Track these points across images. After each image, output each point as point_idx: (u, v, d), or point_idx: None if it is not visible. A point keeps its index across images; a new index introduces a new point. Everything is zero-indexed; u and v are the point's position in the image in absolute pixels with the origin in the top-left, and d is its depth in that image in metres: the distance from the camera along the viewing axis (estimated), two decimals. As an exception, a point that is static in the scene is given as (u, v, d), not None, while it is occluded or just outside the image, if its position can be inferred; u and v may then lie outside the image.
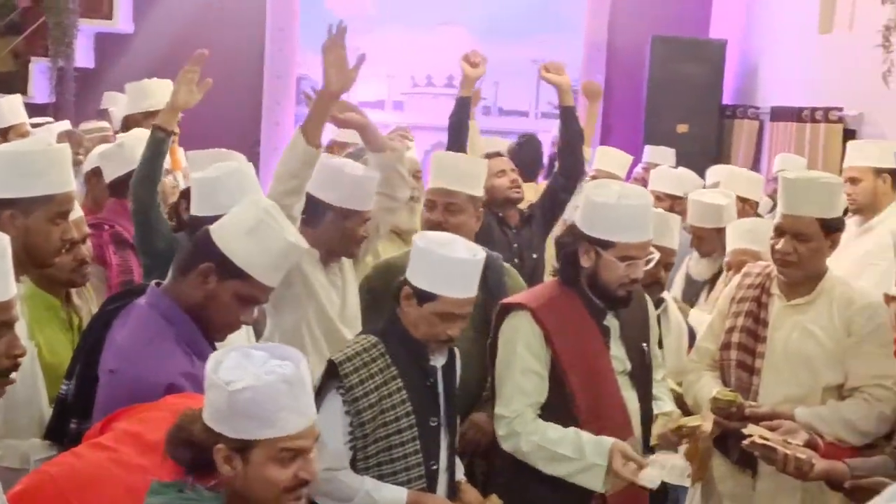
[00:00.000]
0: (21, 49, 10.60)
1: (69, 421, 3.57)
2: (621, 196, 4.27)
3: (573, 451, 4.19)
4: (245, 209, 3.56)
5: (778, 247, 4.55)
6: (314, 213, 4.61)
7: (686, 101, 11.20)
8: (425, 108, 11.86)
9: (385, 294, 4.36)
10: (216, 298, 3.47)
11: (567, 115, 6.31)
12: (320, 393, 4.00)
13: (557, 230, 5.82)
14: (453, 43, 11.64)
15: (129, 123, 6.83)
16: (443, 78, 11.87)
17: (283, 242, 3.51)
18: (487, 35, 11.55)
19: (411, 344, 4.05)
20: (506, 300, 4.54)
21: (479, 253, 4.11)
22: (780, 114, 10.52)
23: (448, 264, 3.96)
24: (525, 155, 8.11)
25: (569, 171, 6.23)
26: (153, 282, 3.62)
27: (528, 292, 4.63)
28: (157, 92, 6.79)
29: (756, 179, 7.71)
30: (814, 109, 9.93)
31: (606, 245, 4.21)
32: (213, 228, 3.50)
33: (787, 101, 10.52)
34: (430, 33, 11.63)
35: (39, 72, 10.36)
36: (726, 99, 11.67)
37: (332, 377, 3.99)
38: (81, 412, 3.52)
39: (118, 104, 8.05)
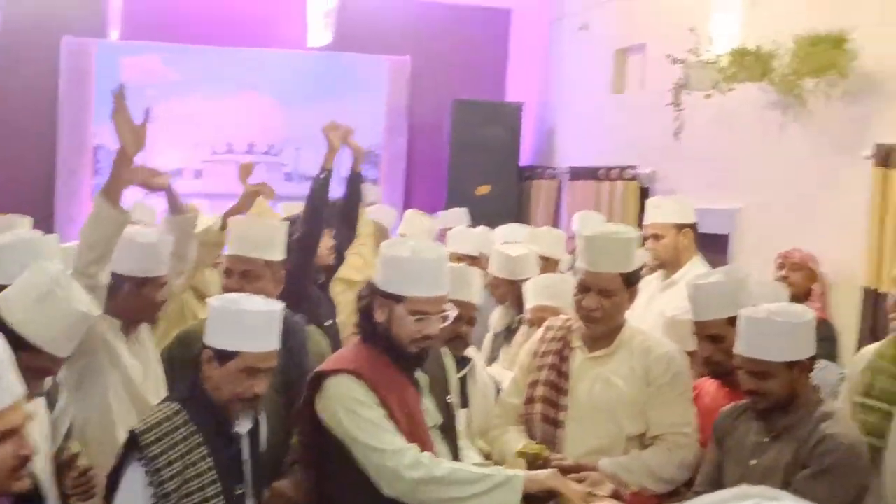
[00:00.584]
0: None
1: None
2: (415, 251, 4.27)
3: (488, 471, 4.16)
4: (33, 278, 3.47)
5: (584, 303, 4.61)
6: (112, 283, 4.54)
7: (486, 163, 11.37)
8: (226, 175, 11.76)
9: (186, 362, 4.31)
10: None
11: (355, 180, 6.72)
12: (122, 465, 3.90)
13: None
14: (254, 109, 11.67)
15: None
16: (243, 144, 11.79)
17: (74, 312, 3.42)
18: (289, 101, 11.60)
19: (214, 410, 3.96)
20: (321, 368, 4.42)
21: (276, 305, 4.09)
22: (577, 173, 10.78)
23: (245, 318, 3.93)
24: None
25: (345, 236, 6.55)
26: None
27: (337, 357, 4.54)
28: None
29: (557, 237, 7.83)
30: (609, 168, 10.22)
31: (398, 299, 4.19)
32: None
33: (583, 161, 10.79)
34: (230, 100, 11.56)
35: None
36: (525, 160, 11.88)
37: (132, 448, 3.87)
38: None
39: None
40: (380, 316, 4.25)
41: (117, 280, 4.58)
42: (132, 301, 4.63)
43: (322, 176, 6.29)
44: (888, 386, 4.40)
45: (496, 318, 6.53)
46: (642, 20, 10.19)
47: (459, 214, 9.34)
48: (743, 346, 4.13)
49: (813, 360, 4.21)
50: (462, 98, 11.56)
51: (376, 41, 11.79)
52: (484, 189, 11.16)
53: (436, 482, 4.04)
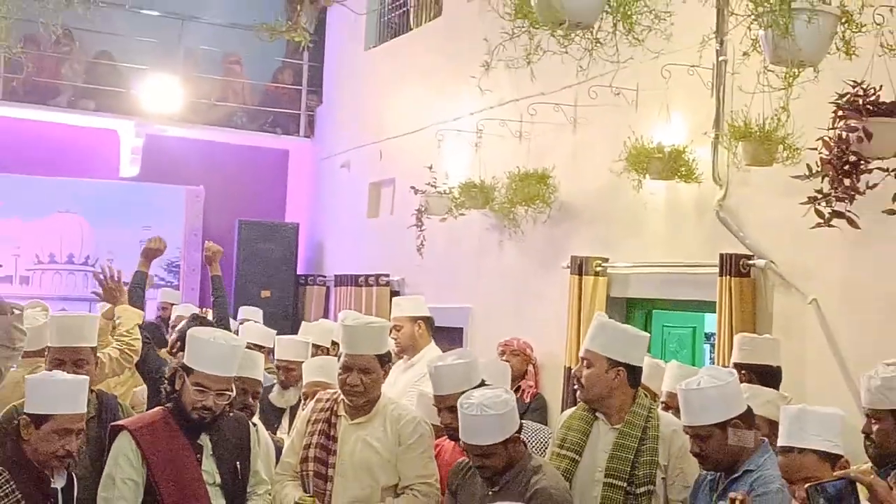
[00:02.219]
0: None
1: None
2: (214, 337, 4.38)
3: None
4: None
5: (348, 380, 4.60)
6: None
7: (268, 272, 11.33)
8: (49, 282, 11.42)
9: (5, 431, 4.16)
10: None
11: (217, 284, 7.29)
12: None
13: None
14: (72, 227, 11.35)
15: None
16: (64, 256, 11.46)
17: None
18: (103, 221, 11.35)
19: (32, 470, 3.84)
20: (114, 423, 4.43)
21: (80, 376, 4.13)
22: (341, 280, 10.78)
23: (54, 386, 3.90)
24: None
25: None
26: None
27: (136, 416, 4.56)
28: None
29: (328, 328, 7.77)
30: (367, 276, 10.28)
31: (188, 371, 4.26)
32: None
33: (346, 270, 10.77)
34: (51, 220, 11.26)
35: None
36: (301, 269, 11.85)
37: None
38: None
39: None
40: (178, 384, 4.30)
41: None
42: None
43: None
44: (576, 438, 4.46)
45: (282, 397, 6.45)
46: (391, 159, 10.30)
47: (255, 312, 9.21)
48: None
49: (519, 429, 4.22)
50: (246, 219, 11.50)
51: (176, 174, 11.67)
52: (266, 293, 11.09)
53: None
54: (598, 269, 7.18)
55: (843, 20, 3.69)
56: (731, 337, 6.01)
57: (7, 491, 3.72)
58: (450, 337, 8.11)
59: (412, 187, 8.86)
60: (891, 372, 3.69)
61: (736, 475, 3.86)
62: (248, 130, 12.29)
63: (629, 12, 3.13)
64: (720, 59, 6.13)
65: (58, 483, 3.90)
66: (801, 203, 4.88)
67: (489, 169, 8.21)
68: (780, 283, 5.97)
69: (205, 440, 4.32)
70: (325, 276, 11.50)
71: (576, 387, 4.61)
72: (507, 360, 6.96)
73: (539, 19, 3.10)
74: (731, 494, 3.59)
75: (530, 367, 7.55)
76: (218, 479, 4.34)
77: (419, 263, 9.06)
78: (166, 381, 4.41)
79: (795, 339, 5.64)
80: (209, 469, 4.32)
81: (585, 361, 4.50)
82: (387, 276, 10.03)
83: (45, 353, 4.91)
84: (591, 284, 7.20)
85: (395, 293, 9.88)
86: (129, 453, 4.20)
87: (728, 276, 6.07)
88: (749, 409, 3.99)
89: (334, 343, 6.98)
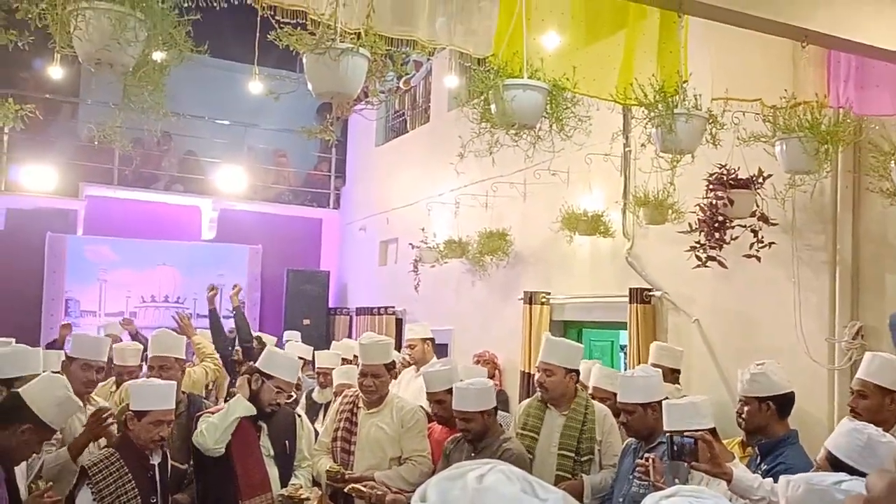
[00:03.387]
0: None
1: None
2: (283, 353, 4.50)
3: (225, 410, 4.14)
4: (51, 381, 3.35)
5: (364, 383, 4.59)
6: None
7: (308, 306, 11.23)
8: (151, 316, 11.35)
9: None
10: (25, 444, 3.19)
11: (238, 312, 6.98)
12: (76, 489, 3.65)
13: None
14: (168, 276, 11.29)
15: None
16: (162, 297, 11.37)
17: (73, 404, 3.33)
18: (189, 270, 11.27)
19: (136, 451, 3.78)
20: (198, 412, 4.36)
21: (170, 381, 4.07)
22: (361, 311, 10.71)
23: (150, 389, 3.86)
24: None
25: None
26: None
27: (216, 408, 4.43)
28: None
29: (351, 345, 7.68)
30: (379, 308, 10.23)
31: (269, 377, 4.20)
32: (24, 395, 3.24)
33: (364, 304, 10.72)
34: (151, 271, 11.19)
35: None
36: (331, 303, 11.79)
37: (83, 477, 3.65)
38: None
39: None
40: (253, 384, 4.20)
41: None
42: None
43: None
44: (534, 422, 4.45)
45: (321, 395, 6.41)
46: (394, 224, 10.28)
47: (295, 334, 9.14)
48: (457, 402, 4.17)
49: (495, 409, 4.24)
50: (293, 268, 11.47)
51: (241, 236, 11.63)
52: (307, 321, 10.99)
53: (204, 435, 4.05)
54: (543, 299, 7.18)
55: (710, 121, 3.73)
56: (639, 347, 6.01)
57: (119, 465, 3.68)
58: (438, 351, 8.07)
59: (410, 244, 8.87)
60: (757, 369, 3.68)
61: (652, 444, 3.84)
62: (293, 205, 12.28)
63: (560, 117, 3.17)
64: (626, 149, 6.20)
65: (155, 460, 3.84)
66: (685, 250, 4.92)
67: (464, 229, 8.23)
68: (672, 308, 5.99)
69: (262, 424, 4.27)
70: (348, 308, 11.42)
71: (539, 391, 4.51)
72: (480, 366, 6.92)
73: (497, 122, 3.12)
74: (646, 454, 3.58)
75: (497, 371, 7.52)
76: (272, 452, 4.28)
77: (416, 298, 9.04)
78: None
79: (684, 347, 5.66)
80: (265, 444, 4.26)
81: (547, 371, 4.45)
82: (393, 307, 9.97)
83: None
84: (538, 311, 7.20)
85: (399, 320, 9.85)
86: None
87: (635, 304, 6.08)
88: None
89: (355, 356, 6.92)
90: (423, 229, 8.73)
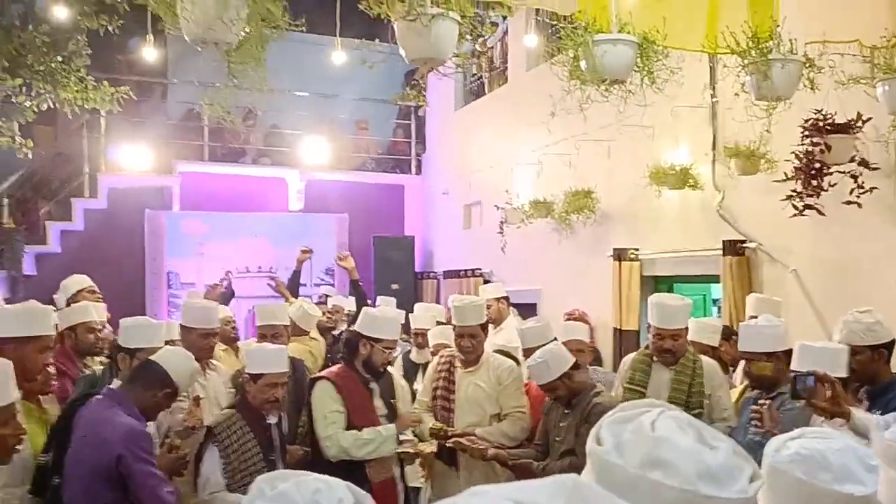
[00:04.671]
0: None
1: (50, 479, 3.30)
2: (381, 311, 4.57)
3: (373, 434, 4.22)
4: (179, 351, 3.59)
5: (462, 343, 4.65)
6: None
7: (396, 271, 11.34)
8: (246, 285, 11.74)
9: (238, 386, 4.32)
10: (159, 404, 3.42)
11: (355, 285, 7.01)
12: (203, 448, 3.86)
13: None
14: (260, 247, 11.60)
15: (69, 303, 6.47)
16: (255, 267, 11.70)
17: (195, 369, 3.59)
18: (280, 240, 11.54)
19: (254, 411, 3.94)
20: (314, 375, 4.51)
21: (282, 345, 4.24)
22: (448, 274, 10.83)
23: (265, 354, 3.99)
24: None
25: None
26: (107, 388, 3.49)
27: (326, 371, 4.57)
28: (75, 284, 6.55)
29: (439, 309, 7.81)
30: (466, 270, 10.32)
31: (378, 340, 4.30)
32: (163, 364, 3.46)
33: (451, 267, 10.83)
34: (244, 242, 11.48)
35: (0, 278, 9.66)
36: (417, 268, 11.90)
37: (209, 437, 3.85)
38: (58, 471, 3.28)
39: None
40: (363, 349, 4.31)
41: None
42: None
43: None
44: (640, 377, 4.44)
45: (419, 355, 6.43)
46: (477, 187, 10.30)
47: (389, 300, 9.26)
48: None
49: (575, 365, 4.18)
50: (379, 235, 11.63)
51: (327, 206, 11.83)
52: (395, 286, 11.12)
53: (344, 450, 4.19)
54: (632, 255, 7.14)
55: (807, 65, 3.63)
56: (734, 300, 5.93)
57: (241, 425, 3.87)
58: (528, 311, 8.09)
59: (495, 205, 8.89)
60: (871, 318, 3.58)
61: (772, 395, 3.77)
62: (376, 172, 12.42)
63: (651, 70, 3.13)
64: (713, 100, 6.06)
65: (271, 419, 4.01)
66: (781, 200, 4.81)
67: (549, 189, 8.21)
68: (767, 259, 5.88)
69: (374, 386, 4.40)
70: (435, 272, 11.54)
71: (662, 356, 4.40)
72: (581, 324, 6.91)
73: (588, 79, 3.11)
74: (761, 401, 3.56)
75: (588, 329, 7.50)
76: (385, 412, 4.41)
77: (502, 259, 9.07)
78: (347, 348, 4.44)
79: (781, 298, 5.54)
80: (379, 405, 4.39)
81: (674, 336, 4.37)
82: (479, 269, 10.03)
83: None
84: (628, 267, 7.17)
85: (486, 281, 9.90)
86: (333, 394, 4.27)
87: (729, 256, 5.99)
88: (789, 351, 3.75)
89: (449, 319, 7.01)
90: (507, 191, 8.74)
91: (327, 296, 9.54)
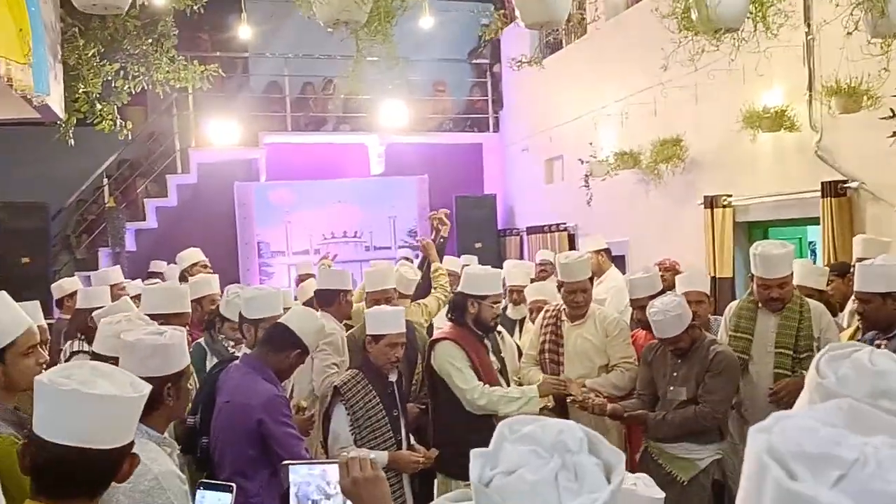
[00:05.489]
0: (90, 243, 10.41)
1: (199, 439, 3.54)
2: (483, 269, 4.58)
3: (519, 393, 4.32)
4: (309, 314, 3.73)
5: (575, 299, 4.72)
6: None
7: (478, 229, 11.39)
8: (333, 250, 11.99)
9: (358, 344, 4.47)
10: (292, 365, 3.60)
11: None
12: (330, 406, 4.05)
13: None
14: (345, 211, 11.82)
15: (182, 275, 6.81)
16: (340, 232, 11.93)
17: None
18: (363, 206, 11.73)
19: (376, 370, 4.09)
20: (434, 336, 4.60)
21: (399, 307, 4.32)
22: (532, 230, 10.87)
23: (384, 315, 4.12)
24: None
25: None
26: (243, 353, 3.69)
27: (442, 332, 4.62)
28: (189, 258, 6.85)
29: (529, 266, 7.81)
30: (550, 225, 10.34)
31: (484, 297, 4.38)
32: (291, 325, 3.62)
33: (534, 223, 10.86)
34: (330, 208, 11.71)
35: (105, 255, 10.14)
36: (500, 225, 11.96)
37: (336, 395, 4.04)
38: (206, 432, 3.52)
39: (163, 267, 8.02)
40: (471, 308, 4.38)
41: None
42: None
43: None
44: (746, 324, 4.45)
45: (514, 311, 6.46)
46: (558, 142, 10.27)
47: (472, 258, 9.34)
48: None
49: (694, 317, 4.22)
50: (460, 194, 11.69)
51: (407, 168, 11.95)
52: (479, 244, 11.19)
53: (493, 403, 4.21)
54: (725, 202, 7.06)
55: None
56: (834, 242, 5.84)
57: (364, 384, 4.05)
58: (616, 262, 8.08)
59: (580, 159, 8.87)
60: None
61: (889, 335, 3.75)
62: (454, 132, 12.46)
63: (766, 15, 3.11)
64: (808, 37, 5.91)
65: (392, 377, 4.17)
66: (888, 136, 4.71)
67: (634, 139, 8.15)
68: (871, 199, 5.76)
69: (487, 342, 4.50)
70: (518, 229, 11.57)
71: (775, 302, 4.34)
72: (661, 275, 6.91)
73: (701, 29, 3.11)
74: (877, 342, 3.55)
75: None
76: (497, 366, 4.52)
77: (588, 212, 9.07)
78: (455, 310, 4.50)
79: (888, 238, 5.44)
80: (493, 359, 4.49)
81: (781, 284, 4.33)
82: (564, 223, 10.03)
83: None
84: (720, 214, 7.10)
85: (571, 235, 9.92)
86: (457, 352, 4.33)
87: (829, 198, 5.89)
88: None
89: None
90: (590, 143, 8.71)
91: (407, 258, 9.71)
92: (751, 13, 3.05)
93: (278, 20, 10.66)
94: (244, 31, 6.72)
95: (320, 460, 2.50)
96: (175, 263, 7.54)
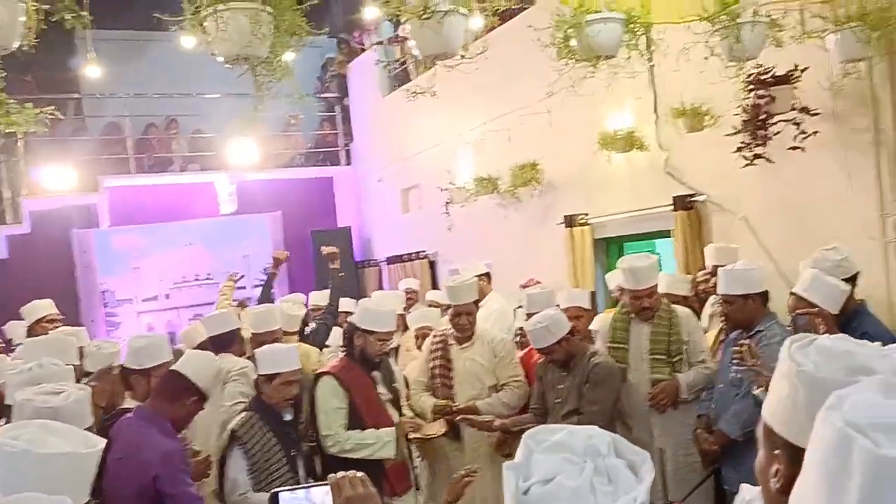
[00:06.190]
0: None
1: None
2: (376, 304, 4.53)
3: (374, 438, 4.28)
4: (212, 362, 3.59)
5: (459, 322, 4.82)
6: None
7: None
8: (185, 295, 11.56)
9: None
10: (189, 413, 3.45)
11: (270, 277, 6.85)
12: (227, 450, 3.91)
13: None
14: (195, 254, 11.44)
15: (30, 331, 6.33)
16: (192, 276, 11.53)
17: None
18: (216, 246, 11.42)
19: (271, 409, 3.99)
20: (318, 370, 4.54)
21: (292, 345, 4.24)
22: (392, 260, 10.90)
23: (275, 353, 4.03)
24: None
25: None
26: (137, 407, 3.50)
27: (329, 364, 4.62)
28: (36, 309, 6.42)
29: (400, 295, 7.83)
30: (410, 254, 10.41)
31: (371, 332, 4.37)
32: (185, 372, 3.47)
33: (394, 252, 10.90)
34: (180, 251, 11.34)
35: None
36: (357, 257, 11.92)
37: (233, 440, 3.90)
38: (96, 493, 3.28)
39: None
40: (358, 341, 4.39)
41: None
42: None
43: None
44: (622, 334, 4.67)
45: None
46: (414, 171, 10.36)
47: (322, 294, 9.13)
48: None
49: (571, 331, 4.41)
50: (315, 229, 11.55)
51: (261, 205, 11.73)
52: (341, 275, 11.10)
53: (345, 451, 4.23)
54: (582, 220, 7.40)
55: (771, 26, 3.92)
56: (686, 251, 6.28)
57: (260, 425, 3.92)
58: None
59: (439, 187, 9.01)
60: (839, 255, 3.91)
61: (750, 333, 4.05)
62: (305, 167, 12.37)
63: (637, 44, 3.35)
64: (650, 64, 6.35)
65: (287, 416, 4.07)
66: (732, 152, 5.15)
67: (492, 165, 8.38)
68: (717, 210, 6.23)
69: (376, 374, 4.49)
70: (376, 259, 11.60)
71: (646, 311, 4.60)
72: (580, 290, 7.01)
73: (580, 56, 3.31)
74: (742, 341, 3.84)
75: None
76: (389, 397, 4.51)
77: (448, 238, 9.20)
78: (346, 340, 4.49)
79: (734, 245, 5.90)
80: (383, 391, 4.48)
81: (649, 294, 4.58)
82: (424, 251, 10.13)
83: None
84: (580, 232, 7.43)
85: (432, 263, 10.04)
86: (336, 389, 4.31)
87: (679, 211, 6.33)
88: (765, 292, 4.09)
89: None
90: (448, 171, 8.88)
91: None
92: (624, 41, 3.29)
93: (116, 60, 10.21)
94: (86, 69, 6.41)
95: (306, 485, 2.43)
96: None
